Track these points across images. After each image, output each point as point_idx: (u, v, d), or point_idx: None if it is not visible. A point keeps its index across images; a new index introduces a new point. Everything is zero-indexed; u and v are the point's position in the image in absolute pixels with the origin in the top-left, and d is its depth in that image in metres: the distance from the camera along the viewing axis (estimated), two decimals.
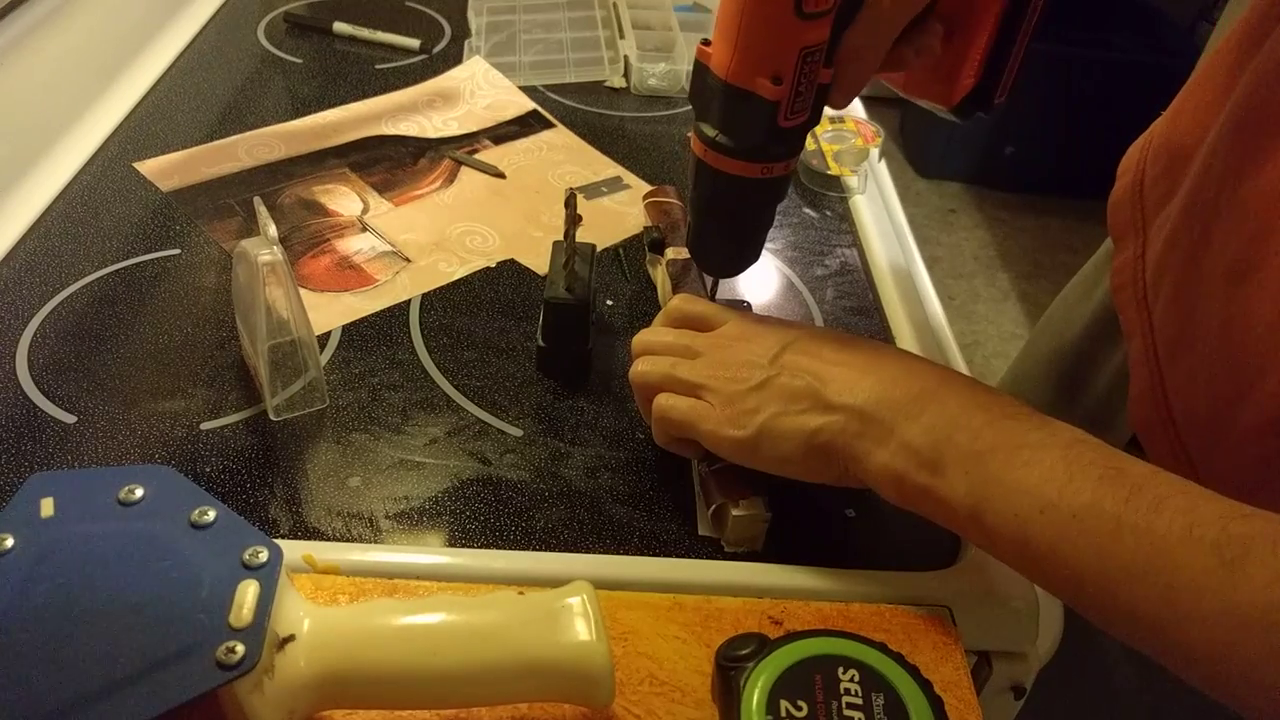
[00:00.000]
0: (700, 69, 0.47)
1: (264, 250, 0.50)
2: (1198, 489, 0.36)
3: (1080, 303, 0.68)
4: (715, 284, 0.56)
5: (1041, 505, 0.37)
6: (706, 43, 0.46)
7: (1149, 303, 0.55)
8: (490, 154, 0.79)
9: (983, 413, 0.41)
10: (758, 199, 0.50)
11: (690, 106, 0.88)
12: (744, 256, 0.53)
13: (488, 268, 0.67)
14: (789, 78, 0.44)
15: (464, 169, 0.77)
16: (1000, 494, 0.39)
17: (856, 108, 0.92)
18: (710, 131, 0.48)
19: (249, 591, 0.34)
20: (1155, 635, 0.35)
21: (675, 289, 0.59)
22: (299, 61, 0.91)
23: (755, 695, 0.37)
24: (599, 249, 0.63)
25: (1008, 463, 0.39)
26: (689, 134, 0.50)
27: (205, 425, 0.53)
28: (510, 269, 0.67)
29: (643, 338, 0.52)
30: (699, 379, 0.48)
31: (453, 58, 0.92)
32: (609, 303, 0.65)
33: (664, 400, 0.48)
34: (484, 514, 0.50)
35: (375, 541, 0.48)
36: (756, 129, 0.46)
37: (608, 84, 0.90)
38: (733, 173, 0.48)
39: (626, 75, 0.91)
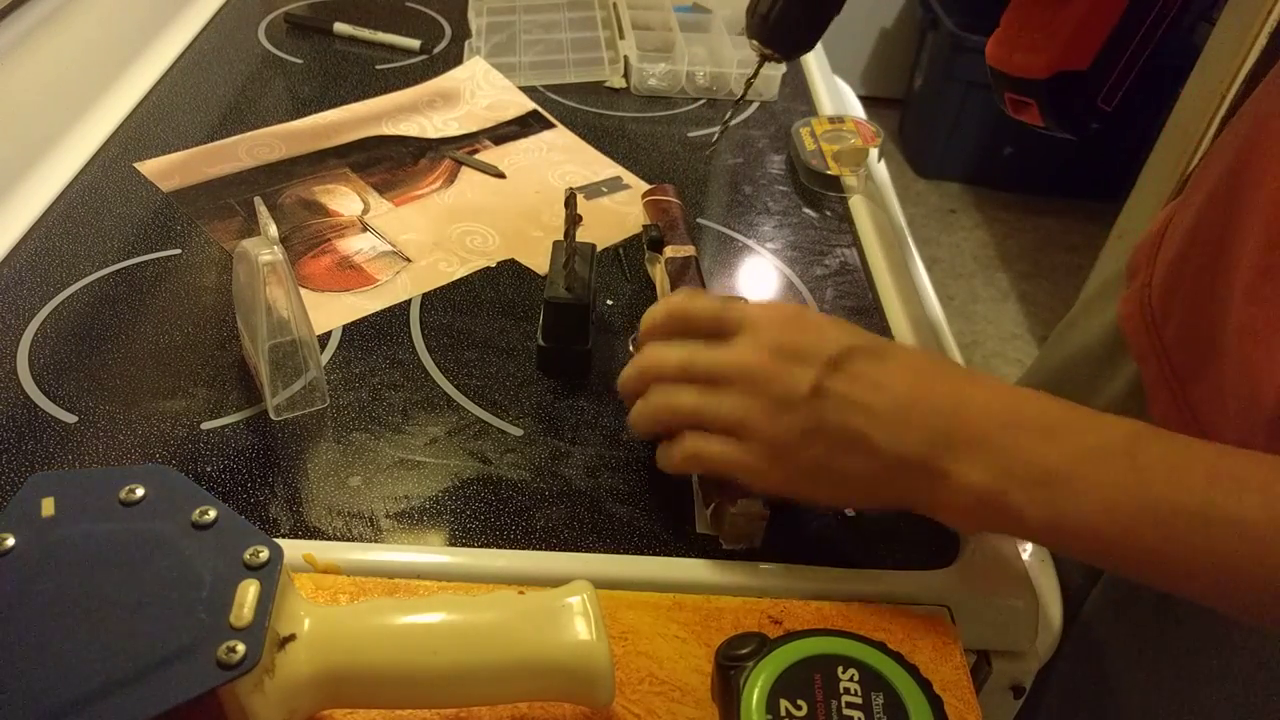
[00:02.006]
0: None
1: (264, 250, 0.50)
2: (1269, 459, 0.36)
3: (1092, 315, 0.68)
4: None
5: (1120, 519, 0.37)
6: None
7: (1158, 326, 0.55)
8: (490, 154, 0.80)
9: (1034, 435, 0.39)
10: None
11: (688, 107, 0.88)
12: (822, 17, 0.53)
13: (488, 268, 0.67)
14: None
15: (464, 169, 0.78)
16: (1074, 514, 0.38)
17: (856, 108, 0.92)
18: None
19: (249, 591, 0.34)
20: (1261, 614, 0.37)
21: (674, 287, 0.60)
22: (299, 62, 0.91)
23: (755, 694, 0.37)
24: (599, 249, 0.63)
25: (1075, 482, 0.38)
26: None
27: (206, 425, 0.53)
28: (510, 269, 0.67)
29: (653, 357, 0.47)
30: (735, 418, 0.43)
31: (453, 58, 0.92)
32: (609, 303, 0.65)
33: (697, 442, 0.44)
34: (484, 513, 0.50)
35: (376, 541, 0.48)
36: None
37: (608, 84, 0.90)
38: None
39: (626, 75, 0.91)
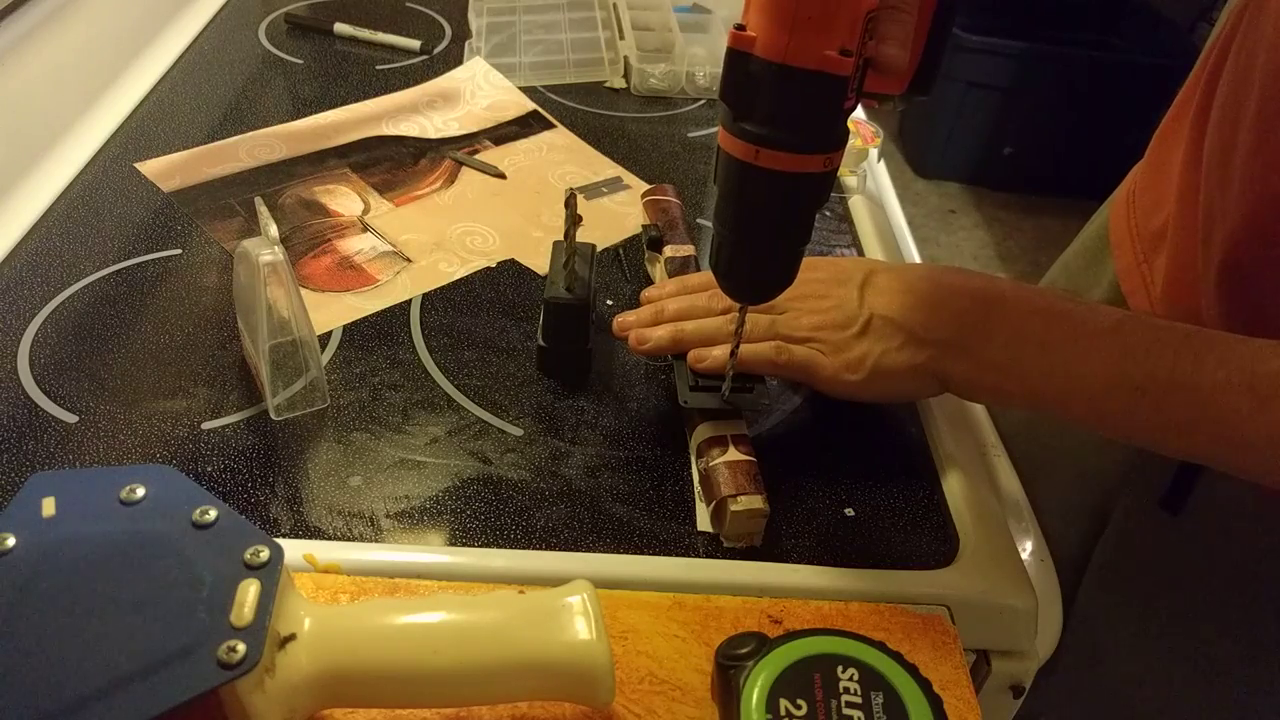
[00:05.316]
0: (739, 59, 0.40)
1: (265, 250, 0.50)
2: (1230, 338, 0.42)
3: (1074, 277, 0.69)
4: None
5: (1108, 386, 0.45)
6: (740, 28, 0.40)
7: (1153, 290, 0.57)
8: (491, 154, 0.80)
9: (1041, 318, 0.48)
10: (816, 197, 0.44)
11: (688, 107, 0.88)
12: (789, 274, 0.47)
13: (488, 268, 0.67)
14: (856, 46, 0.39)
15: (464, 169, 0.78)
16: (1071, 385, 0.46)
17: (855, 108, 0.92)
18: (759, 129, 0.41)
19: (250, 590, 0.34)
20: (1219, 462, 0.45)
21: None
22: (300, 62, 0.91)
23: (755, 694, 0.37)
24: (599, 249, 0.63)
25: (1073, 357, 0.46)
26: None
27: (206, 425, 0.53)
28: (510, 269, 0.67)
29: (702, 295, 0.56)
30: (805, 332, 0.53)
31: (453, 58, 0.92)
32: (609, 303, 0.65)
33: (777, 349, 0.53)
34: (484, 513, 0.50)
35: (376, 540, 0.48)
36: (822, 113, 0.41)
37: (608, 85, 0.91)
38: (792, 170, 0.41)
39: (626, 76, 0.91)
